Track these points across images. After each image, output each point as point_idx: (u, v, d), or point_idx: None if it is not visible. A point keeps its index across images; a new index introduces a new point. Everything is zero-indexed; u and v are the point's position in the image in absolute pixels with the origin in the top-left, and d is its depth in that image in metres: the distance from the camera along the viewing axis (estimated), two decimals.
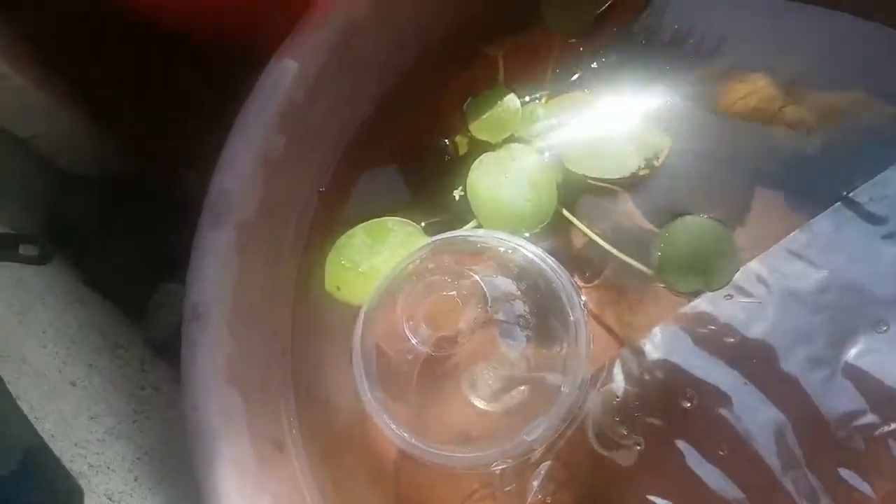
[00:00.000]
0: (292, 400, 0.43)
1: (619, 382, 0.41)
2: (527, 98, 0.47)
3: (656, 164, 0.44)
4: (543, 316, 0.41)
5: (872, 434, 0.39)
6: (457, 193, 0.46)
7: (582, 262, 0.44)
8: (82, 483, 0.43)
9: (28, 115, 0.49)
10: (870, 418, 0.39)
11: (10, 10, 0.45)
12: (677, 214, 0.43)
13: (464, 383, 0.40)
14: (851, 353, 0.40)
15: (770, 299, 0.42)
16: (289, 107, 0.41)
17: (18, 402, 0.42)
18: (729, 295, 0.42)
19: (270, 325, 0.43)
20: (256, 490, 0.37)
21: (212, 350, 0.39)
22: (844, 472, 0.38)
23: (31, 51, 0.46)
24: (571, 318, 0.40)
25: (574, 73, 0.47)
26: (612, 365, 0.42)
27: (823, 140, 0.44)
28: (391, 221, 0.45)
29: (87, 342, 0.49)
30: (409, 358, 0.40)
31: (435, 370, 0.40)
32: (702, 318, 0.42)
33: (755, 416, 0.40)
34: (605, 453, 0.40)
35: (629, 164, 0.44)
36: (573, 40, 0.47)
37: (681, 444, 0.40)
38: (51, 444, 0.43)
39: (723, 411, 0.40)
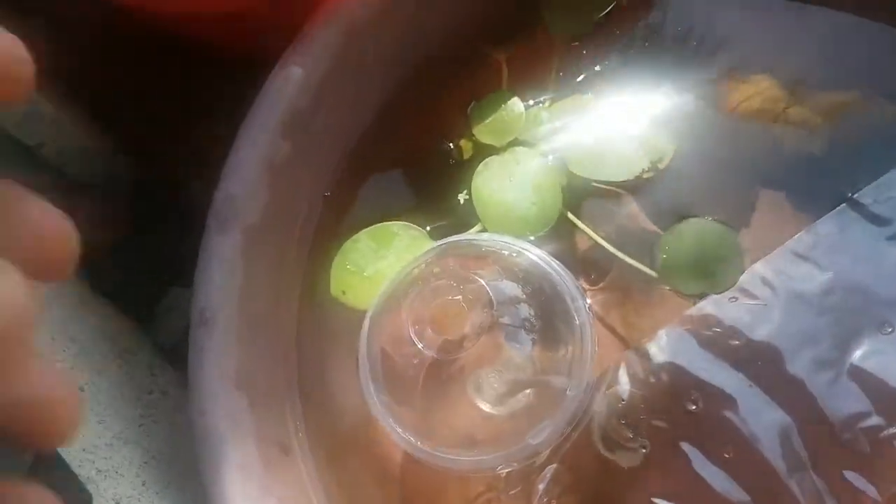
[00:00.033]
0: (298, 403, 0.43)
1: (624, 385, 0.41)
2: (530, 101, 0.47)
3: (661, 166, 0.44)
4: (549, 319, 0.41)
5: (878, 436, 0.39)
6: (461, 197, 0.46)
7: (587, 265, 0.44)
8: (90, 488, 0.43)
9: (36, 123, 0.49)
10: (875, 420, 0.39)
11: (17, 19, 0.45)
12: (682, 217, 0.43)
13: (469, 387, 0.40)
14: (857, 355, 0.40)
15: (775, 301, 0.42)
16: (293, 113, 0.41)
17: None
18: (734, 297, 0.42)
19: (277, 329, 0.43)
20: (262, 494, 0.37)
21: (219, 354, 0.39)
22: (850, 475, 0.38)
23: (38, 60, 0.46)
24: (577, 321, 0.40)
25: (578, 76, 0.47)
26: (617, 368, 0.42)
27: (828, 141, 0.44)
28: (396, 226, 0.45)
29: (96, 348, 0.49)
30: (415, 362, 0.40)
31: (440, 374, 0.40)
32: (707, 321, 0.42)
33: (760, 418, 0.40)
34: (611, 456, 0.40)
35: (633, 166, 0.44)
36: (576, 43, 0.47)
37: (686, 447, 0.40)
38: (59, 450, 0.43)
39: (728, 413, 0.40)
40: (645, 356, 0.42)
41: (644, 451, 0.40)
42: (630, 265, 0.43)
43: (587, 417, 0.41)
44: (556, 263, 0.41)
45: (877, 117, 0.44)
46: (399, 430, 0.39)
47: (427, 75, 0.47)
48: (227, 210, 0.40)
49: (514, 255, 0.42)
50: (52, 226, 0.19)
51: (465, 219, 0.45)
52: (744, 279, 0.42)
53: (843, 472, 0.39)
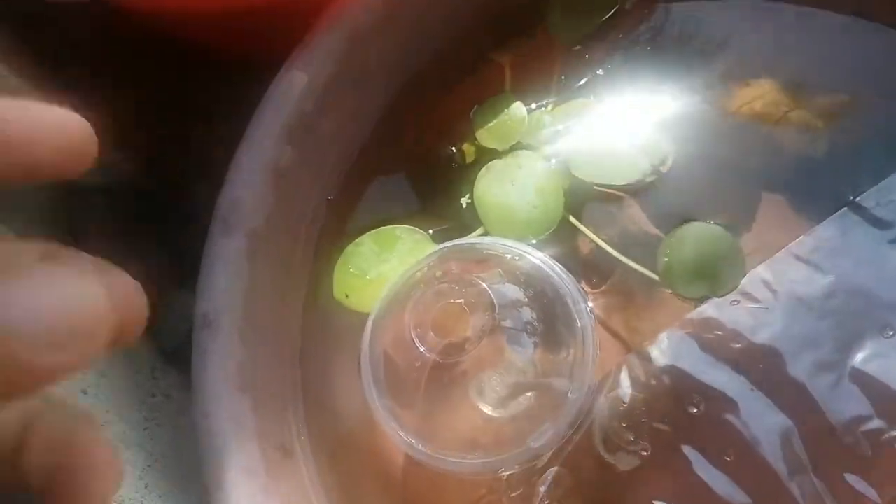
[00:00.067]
0: (301, 406, 0.44)
1: (625, 388, 0.41)
2: (533, 105, 0.47)
3: (663, 170, 0.44)
4: (551, 322, 0.41)
5: (879, 439, 0.39)
6: (464, 201, 0.46)
7: (589, 269, 0.44)
8: None
9: None
10: (876, 423, 0.39)
11: (21, 25, 0.46)
12: (684, 220, 0.43)
13: (471, 390, 0.40)
14: (858, 358, 0.40)
15: (776, 305, 0.42)
16: (298, 117, 0.41)
17: None
18: (735, 300, 0.42)
19: (280, 331, 0.44)
20: (265, 496, 0.37)
21: (222, 358, 0.39)
22: (851, 477, 0.38)
23: (42, 64, 0.46)
24: (578, 324, 0.40)
25: (580, 80, 0.47)
26: (618, 371, 0.42)
27: (829, 144, 0.44)
28: (399, 229, 0.45)
29: None
30: (417, 365, 0.40)
31: (443, 377, 0.40)
32: (708, 324, 0.42)
33: (762, 421, 0.40)
34: (612, 459, 0.40)
35: (635, 170, 0.44)
36: (578, 47, 0.48)
37: (687, 450, 0.40)
38: None
39: (729, 417, 0.40)
40: (646, 359, 0.42)
41: (645, 453, 0.40)
42: (632, 268, 0.43)
43: (588, 420, 0.41)
44: (557, 267, 0.41)
45: (879, 120, 0.44)
46: (401, 432, 0.39)
47: (430, 80, 0.47)
48: (231, 214, 0.40)
49: (516, 258, 0.42)
50: (130, 294, 0.20)
51: (467, 222, 0.45)
52: (745, 282, 0.42)
53: (844, 474, 0.39)
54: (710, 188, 0.44)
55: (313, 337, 0.45)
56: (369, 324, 0.41)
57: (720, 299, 0.42)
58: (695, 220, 0.43)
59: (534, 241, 0.44)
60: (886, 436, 0.39)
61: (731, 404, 0.40)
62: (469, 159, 0.47)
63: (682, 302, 0.43)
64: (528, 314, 0.41)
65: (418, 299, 0.40)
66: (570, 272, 0.41)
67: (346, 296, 0.44)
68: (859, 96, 0.44)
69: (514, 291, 0.41)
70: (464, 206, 0.46)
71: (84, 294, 0.16)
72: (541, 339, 0.41)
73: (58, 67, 0.49)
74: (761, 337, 0.41)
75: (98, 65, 0.51)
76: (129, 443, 0.47)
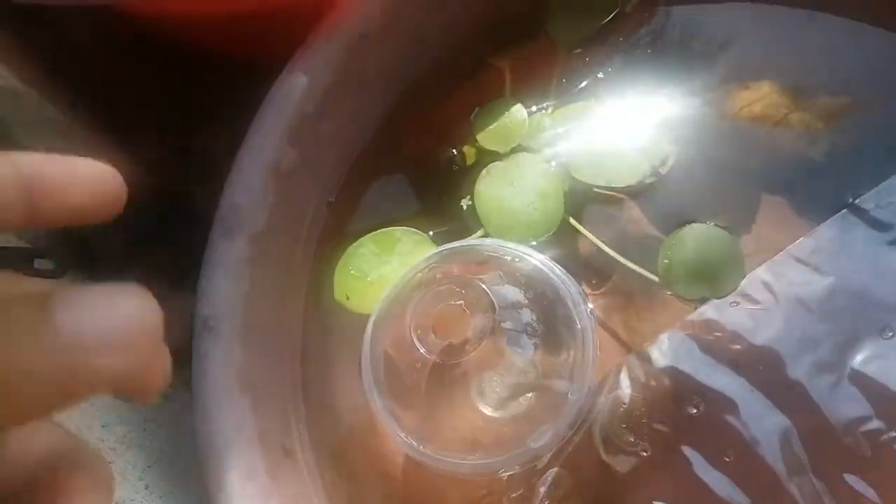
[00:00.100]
0: (302, 408, 0.44)
1: (625, 389, 0.42)
2: (533, 108, 0.47)
3: (662, 172, 0.44)
4: (551, 324, 0.41)
5: (878, 440, 0.39)
6: (464, 203, 0.46)
7: (589, 270, 0.44)
8: None
9: (41, 129, 0.50)
10: (875, 424, 0.39)
11: (23, 28, 0.46)
12: (683, 222, 0.44)
13: (472, 391, 0.40)
14: (857, 359, 0.40)
15: (776, 306, 0.42)
16: (299, 120, 0.41)
17: None
18: (735, 302, 0.42)
19: (280, 333, 0.44)
20: (265, 497, 0.37)
21: (223, 361, 0.39)
22: (850, 478, 0.38)
23: (44, 68, 0.47)
24: (578, 325, 0.40)
25: (580, 83, 0.47)
26: (619, 372, 0.42)
27: (829, 146, 0.44)
28: (399, 231, 0.45)
29: None
30: (418, 366, 0.40)
31: (443, 378, 0.40)
32: (708, 325, 0.42)
33: (761, 422, 0.40)
34: (612, 459, 0.41)
35: (635, 172, 0.44)
36: (579, 50, 0.48)
37: (687, 451, 0.40)
38: None
39: (729, 417, 0.40)
40: (646, 360, 0.42)
41: (645, 454, 0.40)
42: (632, 270, 0.43)
43: (589, 421, 0.41)
44: (558, 268, 0.41)
45: (878, 122, 0.44)
46: (401, 433, 0.39)
47: (430, 84, 0.48)
48: (232, 217, 0.40)
49: (517, 260, 0.42)
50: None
51: (468, 224, 0.46)
52: (745, 284, 0.42)
53: (844, 475, 0.39)
54: (711, 190, 0.44)
55: (314, 338, 0.45)
56: (370, 325, 0.41)
57: (720, 301, 0.42)
58: (695, 221, 0.43)
59: (534, 243, 0.44)
60: (886, 436, 0.39)
61: (730, 405, 0.40)
62: (469, 161, 0.47)
63: (682, 303, 0.43)
64: (528, 316, 0.41)
65: (419, 301, 0.40)
66: (571, 274, 0.41)
67: (347, 297, 0.45)
68: (859, 98, 0.44)
69: (514, 293, 0.41)
70: (464, 208, 0.46)
71: (137, 307, 0.19)
72: (541, 340, 0.41)
73: (59, 71, 0.49)
74: (761, 338, 0.41)
75: (100, 68, 0.51)
76: (129, 444, 0.47)
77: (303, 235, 0.45)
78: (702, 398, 0.41)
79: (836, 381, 0.40)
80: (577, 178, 0.45)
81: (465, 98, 0.48)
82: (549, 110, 0.47)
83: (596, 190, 0.45)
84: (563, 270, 0.41)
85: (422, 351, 0.39)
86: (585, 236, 0.44)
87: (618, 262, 0.43)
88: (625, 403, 0.41)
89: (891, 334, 0.40)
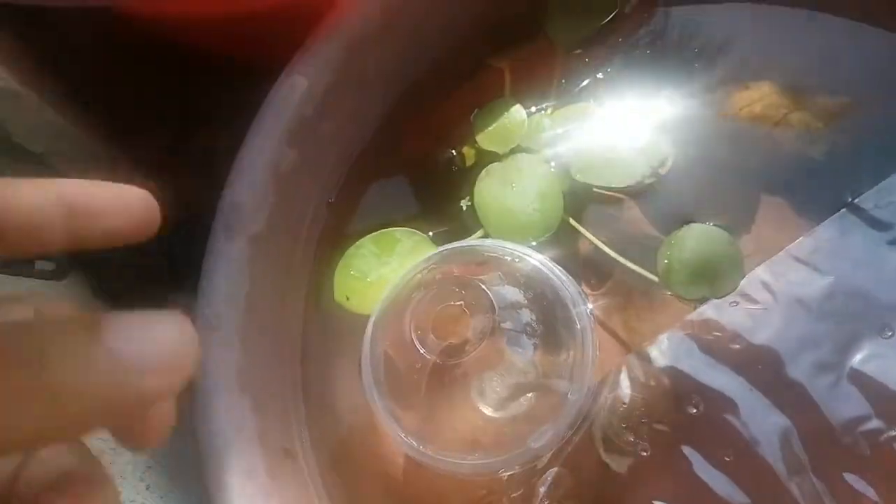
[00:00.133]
0: (302, 408, 0.44)
1: (625, 389, 0.42)
2: (533, 109, 0.47)
3: (662, 172, 0.44)
4: (550, 324, 0.41)
5: (878, 439, 0.39)
6: (464, 203, 0.46)
7: (588, 270, 0.44)
8: None
9: (41, 132, 0.50)
10: (875, 423, 0.39)
11: (23, 30, 0.46)
12: (683, 222, 0.44)
13: (472, 391, 0.40)
14: (857, 359, 0.40)
15: (776, 306, 0.42)
16: (298, 121, 0.42)
17: None
18: (735, 302, 0.42)
19: (281, 334, 0.44)
20: (266, 497, 0.37)
21: (223, 361, 0.39)
22: (850, 477, 0.38)
23: (44, 70, 0.47)
24: (578, 325, 0.40)
25: (580, 83, 0.47)
26: (618, 372, 0.42)
27: (828, 146, 0.44)
28: (399, 232, 0.45)
29: None
30: (418, 367, 0.40)
31: (443, 378, 0.40)
32: (708, 325, 0.42)
33: (761, 421, 0.40)
34: (612, 459, 0.41)
35: (635, 172, 0.44)
36: (578, 50, 0.48)
37: (687, 450, 0.40)
38: None
39: (729, 417, 0.40)
40: (646, 360, 0.42)
41: (645, 454, 0.40)
42: (631, 270, 0.43)
43: (588, 421, 0.41)
44: (557, 269, 0.41)
45: (878, 122, 0.44)
46: (401, 433, 0.39)
47: (429, 85, 0.48)
48: (233, 217, 0.40)
49: (516, 260, 0.42)
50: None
51: (467, 225, 0.46)
52: (744, 284, 0.42)
53: (843, 474, 0.39)
54: (710, 190, 0.44)
55: (314, 338, 0.45)
56: (370, 325, 0.41)
57: (719, 300, 0.42)
58: (694, 221, 0.43)
59: (534, 244, 0.44)
60: (885, 436, 0.39)
61: (730, 405, 0.40)
62: (469, 162, 0.47)
63: (681, 303, 0.43)
64: (527, 316, 0.41)
65: (419, 301, 0.40)
66: (570, 274, 0.41)
67: (347, 298, 0.45)
68: (858, 98, 0.44)
69: (513, 293, 0.41)
70: (464, 208, 0.46)
71: (181, 332, 0.19)
72: (541, 340, 0.41)
73: (59, 73, 0.49)
74: (760, 338, 0.41)
75: (99, 70, 0.51)
76: None
77: (303, 236, 0.45)
78: (701, 398, 0.41)
79: (835, 380, 0.40)
80: (577, 178, 0.45)
81: (464, 99, 0.48)
82: (549, 111, 0.47)
83: (595, 190, 0.45)
84: (563, 271, 0.41)
85: (422, 351, 0.39)
86: (585, 236, 0.44)
87: (617, 262, 0.43)
88: (625, 403, 0.41)
89: (890, 334, 0.40)
